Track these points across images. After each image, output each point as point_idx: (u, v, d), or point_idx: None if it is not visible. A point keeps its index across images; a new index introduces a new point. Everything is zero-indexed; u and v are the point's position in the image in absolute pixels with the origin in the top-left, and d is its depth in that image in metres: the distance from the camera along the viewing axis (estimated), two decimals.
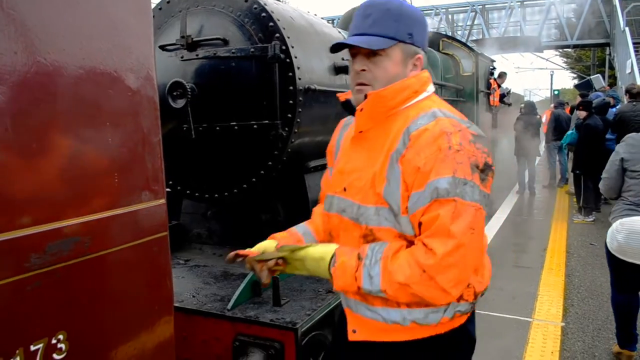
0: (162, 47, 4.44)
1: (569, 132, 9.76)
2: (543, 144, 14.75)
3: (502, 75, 11.61)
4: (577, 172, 9.06)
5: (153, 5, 4.72)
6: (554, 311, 4.72)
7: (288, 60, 4.08)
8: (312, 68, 4.37)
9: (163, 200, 2.05)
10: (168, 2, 4.60)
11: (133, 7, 1.93)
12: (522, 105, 12.68)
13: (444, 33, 25.59)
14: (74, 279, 1.70)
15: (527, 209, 9.93)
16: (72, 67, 1.73)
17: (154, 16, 4.62)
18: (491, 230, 7.89)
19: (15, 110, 1.58)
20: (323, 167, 4.92)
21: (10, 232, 1.50)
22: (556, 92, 39.86)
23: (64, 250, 1.66)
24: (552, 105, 14.91)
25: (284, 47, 4.06)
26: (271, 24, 4.11)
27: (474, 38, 29.04)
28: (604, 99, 10.15)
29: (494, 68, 12.09)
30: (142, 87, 1.96)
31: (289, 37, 4.11)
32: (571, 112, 12.35)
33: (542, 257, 6.39)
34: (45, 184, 1.64)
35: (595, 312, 4.72)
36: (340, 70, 4.81)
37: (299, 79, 4.13)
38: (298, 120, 4.19)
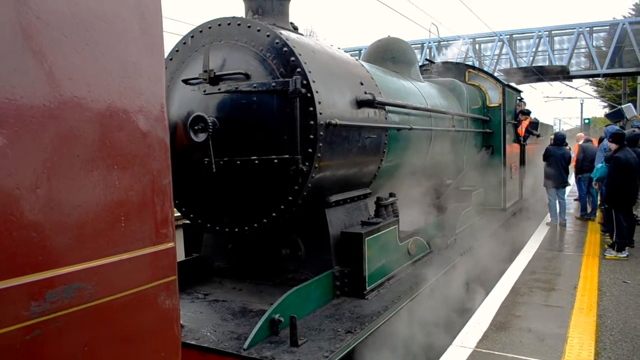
0: (186, 81, 4.47)
1: (599, 165, 9.50)
2: (573, 175, 14.42)
3: (526, 112, 11.44)
4: (608, 205, 8.78)
5: (176, 41, 4.79)
6: (585, 355, 4.49)
7: (309, 94, 4.06)
8: (333, 102, 4.33)
9: (172, 244, 2.00)
10: (192, 37, 4.64)
11: (145, 49, 1.92)
12: (552, 136, 12.45)
13: (471, 63, 25.56)
14: (75, 327, 1.65)
15: (558, 243, 9.63)
16: (80, 110, 1.71)
17: (177, 50, 4.70)
18: (520, 265, 7.65)
19: (18, 154, 1.56)
20: (344, 201, 4.85)
21: (8, 280, 1.46)
22: (587, 121, 39.23)
23: (65, 298, 1.61)
24: (580, 140, 14.60)
25: (305, 82, 4.04)
26: (293, 58, 4.10)
27: (502, 67, 28.89)
28: (634, 131, 9.85)
29: (522, 99, 11.93)
30: (153, 128, 1.93)
31: (310, 72, 4.09)
32: (599, 142, 12.07)
33: (572, 295, 6.14)
34: (46, 229, 1.61)
35: (630, 356, 4.47)
36: (362, 104, 4.76)
37: (320, 113, 4.10)
38: (319, 154, 4.14)
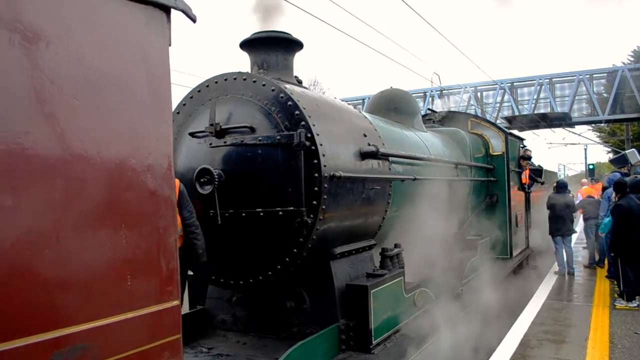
0: (192, 134, 4.55)
1: (606, 219, 9.43)
2: (579, 222, 14.35)
3: (527, 157, 11.51)
4: (613, 254, 8.69)
5: (185, 92, 4.90)
6: None
7: (313, 147, 4.11)
8: (337, 154, 4.38)
9: (177, 302, 2.00)
10: (199, 91, 4.75)
11: (153, 110, 1.98)
12: (555, 184, 12.47)
13: (473, 112, 25.84)
14: None
15: (566, 293, 9.48)
16: (90, 170, 1.75)
17: (184, 104, 4.80)
18: (528, 316, 7.52)
19: (28, 214, 1.58)
20: (349, 252, 4.83)
21: (11, 341, 1.46)
22: (591, 167, 39.26)
23: (70, 359, 1.60)
24: (585, 186, 14.58)
25: (309, 135, 4.10)
26: (297, 112, 4.18)
27: (505, 114, 29.17)
28: (636, 177, 9.83)
29: (525, 146, 12.02)
30: (160, 187, 1.96)
31: (314, 125, 4.16)
32: (603, 190, 12.06)
33: (583, 348, 6.01)
34: (53, 288, 1.62)
35: None
36: (366, 155, 4.81)
37: (324, 165, 4.14)
38: (323, 207, 4.16)
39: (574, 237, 12.18)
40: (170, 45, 2.09)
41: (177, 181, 4.05)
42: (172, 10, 2.10)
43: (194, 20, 2.18)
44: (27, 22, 1.67)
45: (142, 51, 1.99)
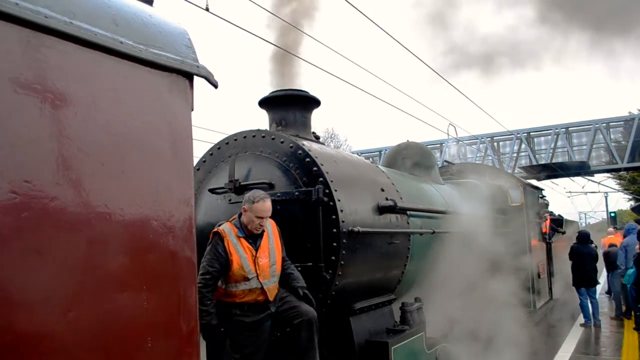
0: (212, 191, 4.62)
1: (630, 270, 9.25)
2: (603, 272, 14.04)
3: (545, 206, 11.44)
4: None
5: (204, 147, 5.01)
6: None
7: (331, 203, 4.14)
8: (355, 210, 4.41)
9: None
10: (219, 148, 4.85)
11: (176, 173, 2.03)
12: (577, 234, 12.30)
13: (490, 162, 25.79)
14: None
15: (593, 346, 9.18)
16: (114, 234, 1.79)
17: (204, 161, 4.90)
18: None
19: (52, 278, 1.61)
20: (369, 308, 4.78)
21: None
22: (612, 214, 38.68)
23: None
24: (611, 234, 14.34)
25: (327, 191, 4.14)
26: (315, 168, 4.23)
27: (522, 163, 29.06)
28: None
29: (544, 196, 11.93)
30: (181, 249, 1.99)
31: (332, 181, 4.20)
32: (624, 237, 11.85)
33: None
34: (72, 351, 1.63)
35: None
36: (384, 210, 4.83)
37: (343, 221, 4.16)
38: (342, 262, 4.15)
39: (599, 287, 11.89)
40: (192, 110, 2.16)
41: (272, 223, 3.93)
42: (195, 77, 2.18)
43: (215, 86, 2.27)
44: (57, 91, 1.75)
45: (165, 116, 2.06)
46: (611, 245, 12.85)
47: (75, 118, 1.78)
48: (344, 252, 4.15)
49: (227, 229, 3.85)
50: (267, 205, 3.80)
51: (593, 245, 11.87)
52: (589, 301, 11.15)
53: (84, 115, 1.81)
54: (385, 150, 7.88)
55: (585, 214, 57.28)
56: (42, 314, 1.59)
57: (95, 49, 1.85)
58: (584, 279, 10.93)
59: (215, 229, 3.88)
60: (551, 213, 11.94)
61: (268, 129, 4.95)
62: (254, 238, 3.86)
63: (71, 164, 1.75)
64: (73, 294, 1.68)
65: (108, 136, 1.88)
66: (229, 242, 3.77)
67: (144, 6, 2.24)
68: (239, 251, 3.78)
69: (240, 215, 3.90)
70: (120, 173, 1.88)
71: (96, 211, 1.77)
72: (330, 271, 4.12)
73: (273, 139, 4.50)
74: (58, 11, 1.77)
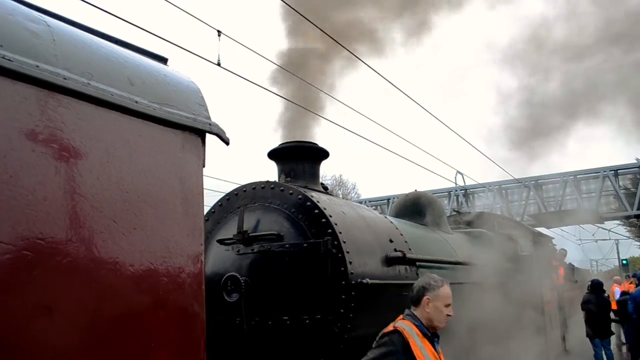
0: (220, 241, 4.61)
1: None
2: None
3: (562, 251, 11.30)
4: None
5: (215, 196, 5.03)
6: None
7: (340, 255, 4.12)
8: (364, 262, 4.38)
9: None
10: (228, 199, 4.88)
11: (186, 229, 2.05)
12: (589, 283, 12.09)
13: (498, 210, 25.67)
14: None
15: None
16: (124, 292, 1.79)
17: (213, 212, 4.91)
18: None
19: (60, 332, 1.61)
20: None
21: None
22: (624, 262, 38.06)
23: None
24: (617, 282, 14.10)
25: (336, 242, 4.13)
26: (323, 220, 4.23)
27: (530, 211, 28.85)
28: None
29: (554, 245, 11.81)
30: (190, 305, 1.99)
31: (340, 233, 4.20)
32: (636, 286, 11.63)
33: None
34: None
35: None
36: (393, 261, 4.79)
37: (351, 273, 4.13)
38: (351, 315, 4.09)
39: (613, 339, 11.58)
40: (204, 166, 2.20)
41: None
42: (207, 134, 2.23)
43: (227, 143, 2.31)
44: (73, 149, 1.79)
45: (177, 173, 2.10)
46: (623, 294, 12.59)
47: (89, 175, 1.82)
48: (353, 304, 4.10)
49: (407, 327, 2.97)
50: (449, 288, 3.14)
51: (606, 294, 11.64)
52: (603, 352, 10.87)
53: (98, 173, 1.84)
54: (394, 198, 7.93)
55: (596, 261, 56.43)
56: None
57: (111, 109, 1.90)
58: (598, 330, 10.67)
59: (392, 327, 3.05)
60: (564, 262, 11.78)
61: (277, 180, 4.98)
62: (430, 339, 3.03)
63: (84, 221, 1.77)
64: (81, 350, 1.67)
65: (121, 193, 1.91)
66: (416, 347, 2.89)
67: (158, 65, 2.31)
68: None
69: (411, 310, 3.11)
70: (132, 230, 1.90)
71: (106, 268, 1.78)
72: (339, 324, 4.06)
73: (282, 190, 4.53)
74: (76, 72, 1.82)
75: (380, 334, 3.07)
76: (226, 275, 4.23)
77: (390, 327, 3.03)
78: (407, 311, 3.13)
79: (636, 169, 29.28)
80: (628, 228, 43.58)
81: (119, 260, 1.81)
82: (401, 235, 5.36)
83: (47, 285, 1.62)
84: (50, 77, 1.73)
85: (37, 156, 1.68)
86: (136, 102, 1.97)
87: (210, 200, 5.08)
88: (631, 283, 14.25)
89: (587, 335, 10.99)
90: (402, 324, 3.00)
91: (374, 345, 3.04)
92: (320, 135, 5.22)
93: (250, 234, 4.40)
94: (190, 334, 1.99)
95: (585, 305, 10.90)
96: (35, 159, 1.67)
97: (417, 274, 5.31)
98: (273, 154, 5.14)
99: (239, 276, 4.16)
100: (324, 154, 5.17)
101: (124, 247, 1.85)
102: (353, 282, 4.12)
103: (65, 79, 1.76)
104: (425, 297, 3.05)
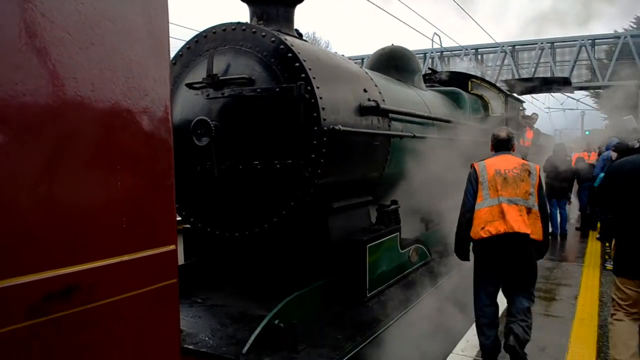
0: (189, 85, 4.46)
1: (602, 174, 9.44)
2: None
3: (534, 116, 11.43)
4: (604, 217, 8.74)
5: (180, 45, 4.78)
6: None
7: (313, 100, 4.04)
8: (337, 109, 4.32)
9: (173, 247, 1.97)
10: (197, 42, 4.64)
11: (150, 50, 1.91)
12: (554, 147, 12.43)
13: (473, 74, 25.51)
14: (73, 329, 1.62)
15: (558, 253, 9.59)
16: (84, 109, 1.70)
17: (181, 55, 4.69)
18: None
19: (19, 153, 1.54)
20: (347, 207, 4.82)
21: (6, 280, 1.43)
22: (587, 133, 39.16)
23: (63, 300, 1.58)
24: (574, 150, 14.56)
25: (309, 88, 4.03)
26: (297, 64, 4.09)
27: (504, 77, 28.87)
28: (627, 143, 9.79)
29: (524, 109, 11.93)
30: (157, 129, 1.91)
31: (314, 78, 4.08)
32: (599, 155, 12.01)
33: (573, 305, 6.10)
34: (46, 229, 1.58)
35: None
36: (366, 111, 4.75)
37: (324, 119, 4.08)
38: (322, 160, 4.11)
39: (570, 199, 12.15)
40: None
41: (537, 167, 4.35)
42: None
43: None
44: None
45: None
46: (579, 160, 13.00)
47: None
48: (324, 150, 4.10)
49: None
50: None
51: (568, 157, 12.03)
52: (558, 212, 11.48)
53: None
54: (368, 57, 7.72)
55: (560, 131, 57.95)
56: (9, 189, 1.52)
57: None
58: (556, 191, 11.17)
59: None
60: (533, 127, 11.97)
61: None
62: None
63: (35, 30, 1.61)
64: (41, 171, 1.61)
65: (75, 4, 1.73)
66: None
67: None
68: None
69: None
70: (90, 45, 1.75)
71: (64, 83, 1.66)
72: (310, 169, 4.09)
73: (254, 32, 4.30)
74: None
75: None
76: (195, 119, 4.14)
77: None
78: None
79: (613, 39, 29.06)
80: (596, 100, 44.25)
81: (77, 76, 1.68)
82: (376, 86, 5.27)
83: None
84: None
85: None
86: None
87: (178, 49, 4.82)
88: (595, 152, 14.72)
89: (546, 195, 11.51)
90: None
91: None
92: None
93: (221, 78, 4.25)
94: (159, 157, 1.93)
95: (547, 165, 11.28)
96: None
97: (389, 126, 5.32)
98: None
99: (209, 120, 4.08)
100: None
101: (81, 63, 1.71)
102: (325, 128, 4.09)
103: None
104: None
